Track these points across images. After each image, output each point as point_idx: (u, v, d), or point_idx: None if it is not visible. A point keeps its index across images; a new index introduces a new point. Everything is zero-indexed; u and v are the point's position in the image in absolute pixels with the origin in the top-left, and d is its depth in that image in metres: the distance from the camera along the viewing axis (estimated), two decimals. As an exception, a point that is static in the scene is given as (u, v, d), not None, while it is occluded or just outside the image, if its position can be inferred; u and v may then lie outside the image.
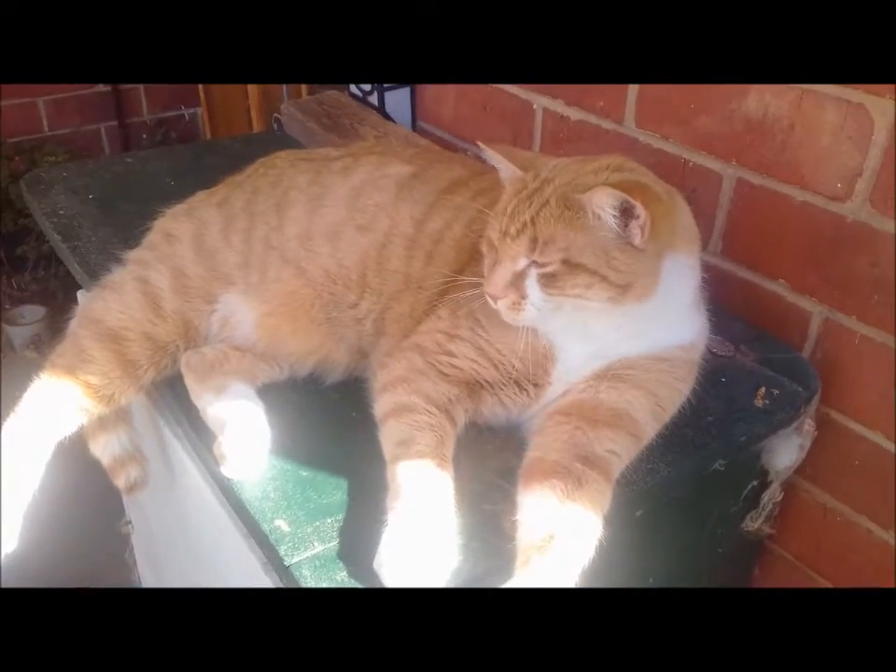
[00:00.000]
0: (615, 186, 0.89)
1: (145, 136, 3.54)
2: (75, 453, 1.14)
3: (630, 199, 0.88)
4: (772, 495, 1.23)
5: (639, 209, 0.89)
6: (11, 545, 1.05)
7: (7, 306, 3.30)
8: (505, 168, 1.03)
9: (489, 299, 0.98)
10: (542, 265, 0.93)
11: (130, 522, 1.84)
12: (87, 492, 1.83)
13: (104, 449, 1.23)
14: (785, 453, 1.20)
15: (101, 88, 3.43)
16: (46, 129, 3.39)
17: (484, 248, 1.01)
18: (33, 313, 3.24)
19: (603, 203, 0.90)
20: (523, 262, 0.94)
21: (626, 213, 0.90)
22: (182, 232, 1.23)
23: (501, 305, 0.97)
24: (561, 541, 0.86)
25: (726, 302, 1.22)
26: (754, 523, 1.25)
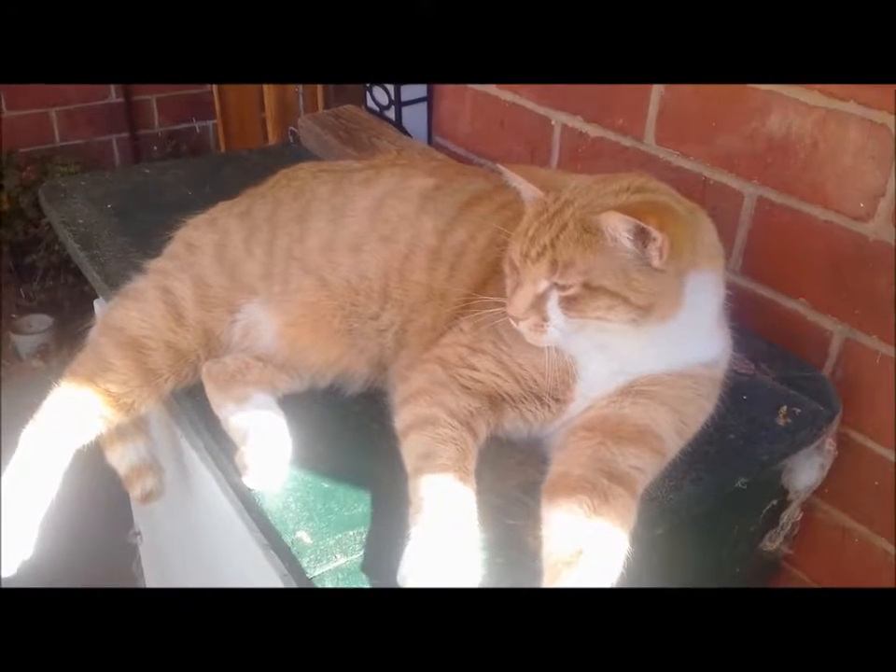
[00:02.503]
0: (630, 208, 0.89)
1: (156, 148, 3.56)
2: (80, 461, 1.12)
3: (642, 223, 0.87)
4: (791, 514, 1.23)
5: (655, 232, 0.88)
6: (27, 553, 1.04)
7: (15, 315, 3.30)
8: (525, 189, 1.02)
9: (511, 320, 0.98)
10: (563, 288, 0.93)
11: (139, 532, 1.83)
12: (93, 501, 1.82)
13: (121, 458, 1.23)
14: (805, 472, 1.19)
15: (113, 99, 3.45)
16: (57, 139, 3.41)
17: (507, 269, 1.01)
18: (40, 322, 3.24)
19: (617, 227, 0.89)
20: (543, 285, 0.94)
21: (642, 236, 0.89)
22: (204, 242, 1.22)
23: (523, 327, 0.97)
24: (591, 556, 0.85)
25: (746, 320, 1.21)
26: (773, 542, 1.25)
